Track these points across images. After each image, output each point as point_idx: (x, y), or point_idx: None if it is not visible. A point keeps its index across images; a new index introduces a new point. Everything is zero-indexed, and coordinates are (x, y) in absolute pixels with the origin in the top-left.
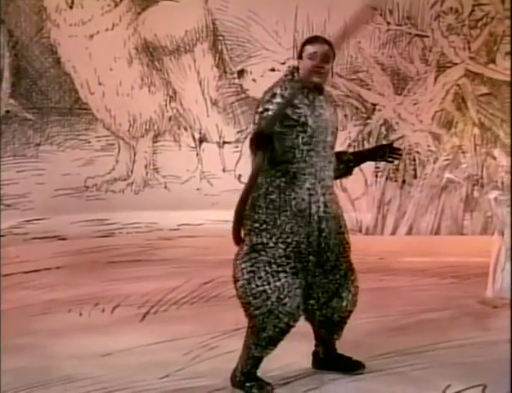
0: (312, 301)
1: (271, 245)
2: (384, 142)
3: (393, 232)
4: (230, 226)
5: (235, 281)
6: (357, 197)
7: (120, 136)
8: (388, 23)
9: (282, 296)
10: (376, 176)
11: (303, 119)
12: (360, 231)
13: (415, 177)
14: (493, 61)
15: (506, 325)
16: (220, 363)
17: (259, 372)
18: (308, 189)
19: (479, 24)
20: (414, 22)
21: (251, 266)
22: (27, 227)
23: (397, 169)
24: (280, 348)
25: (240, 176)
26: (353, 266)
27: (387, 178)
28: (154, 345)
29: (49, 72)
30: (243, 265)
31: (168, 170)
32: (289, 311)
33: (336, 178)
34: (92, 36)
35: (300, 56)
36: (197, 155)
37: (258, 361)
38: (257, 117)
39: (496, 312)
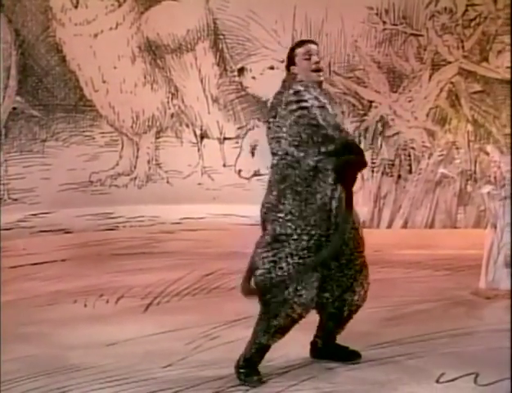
0: (326, 294)
1: (295, 236)
2: (380, 139)
3: (389, 226)
4: (230, 219)
5: (255, 268)
6: (354, 192)
7: (124, 132)
8: (384, 22)
9: (300, 288)
10: (372, 171)
11: (328, 107)
12: None
13: (410, 172)
14: (486, 60)
15: (498, 315)
16: (221, 353)
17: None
18: (331, 184)
19: (472, 23)
20: (409, 21)
21: (273, 256)
22: (33, 220)
23: (393, 165)
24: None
25: (240, 171)
26: (367, 262)
27: (383, 173)
28: (157, 335)
29: (55, 70)
30: (264, 254)
31: (170, 165)
32: (304, 302)
33: None
34: (96, 35)
35: (292, 63)
36: (198, 150)
37: (262, 349)
38: (297, 114)
39: (489, 303)
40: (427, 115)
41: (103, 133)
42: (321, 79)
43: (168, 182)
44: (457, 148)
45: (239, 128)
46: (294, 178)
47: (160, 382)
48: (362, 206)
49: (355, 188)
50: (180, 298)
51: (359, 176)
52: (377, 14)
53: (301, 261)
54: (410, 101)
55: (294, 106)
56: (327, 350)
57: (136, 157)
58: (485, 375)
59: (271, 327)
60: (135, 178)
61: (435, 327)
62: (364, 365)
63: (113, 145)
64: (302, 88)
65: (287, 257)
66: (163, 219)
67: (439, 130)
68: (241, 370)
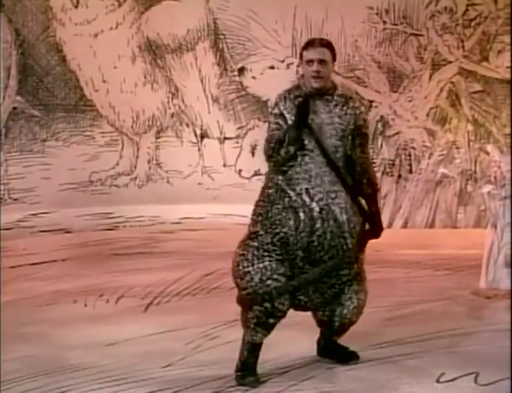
0: (301, 297)
1: (262, 233)
2: (380, 139)
3: (389, 226)
4: (230, 219)
5: (232, 265)
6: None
7: (124, 132)
8: (385, 22)
9: (265, 278)
10: None
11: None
12: None
13: (410, 172)
14: (486, 59)
15: (498, 315)
16: (221, 353)
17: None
18: (299, 194)
19: (473, 23)
20: (409, 21)
21: (243, 251)
22: (34, 220)
23: (393, 164)
24: (278, 337)
25: (240, 171)
26: (362, 278)
27: (383, 173)
28: (157, 335)
29: (55, 70)
30: (238, 251)
31: (170, 165)
32: (272, 293)
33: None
34: (96, 35)
35: (302, 61)
36: (199, 150)
37: (252, 348)
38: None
39: (489, 302)
40: (427, 115)
41: (103, 132)
42: (317, 85)
43: (168, 181)
44: (457, 148)
45: (239, 128)
46: (267, 182)
47: (160, 382)
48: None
49: None
50: (180, 298)
51: None
52: (377, 14)
53: (265, 254)
54: (410, 101)
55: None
56: (328, 348)
57: (137, 157)
58: (485, 375)
59: (249, 320)
60: (135, 177)
61: (435, 326)
62: (364, 365)
63: (113, 145)
64: (277, 100)
65: (254, 250)
66: (164, 219)
67: (439, 130)
68: (237, 373)
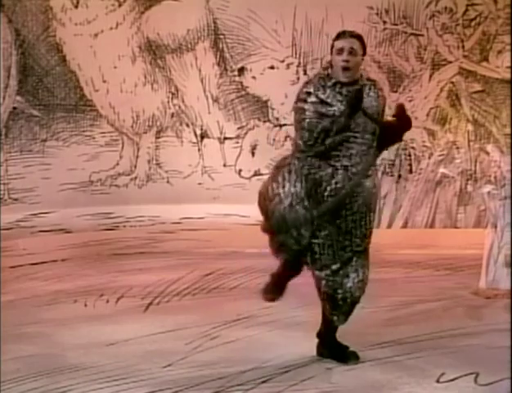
0: (316, 247)
1: (299, 166)
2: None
3: (389, 226)
4: (230, 219)
5: (259, 196)
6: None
7: (124, 132)
8: (385, 22)
9: (294, 203)
10: None
11: (337, 113)
12: None
13: (410, 172)
14: (486, 59)
15: (498, 315)
16: (221, 353)
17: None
18: (337, 169)
19: (473, 23)
20: (409, 21)
21: (274, 174)
22: (34, 220)
23: (393, 164)
24: (278, 337)
25: (240, 171)
26: (368, 255)
27: (383, 173)
28: (157, 334)
29: (55, 70)
30: (266, 183)
31: (170, 165)
32: (299, 218)
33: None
34: (96, 35)
35: (332, 52)
36: (199, 150)
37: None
38: (295, 113)
39: (489, 302)
40: (427, 115)
41: (103, 132)
42: (345, 79)
43: (168, 181)
44: (457, 148)
45: (239, 128)
46: (303, 163)
47: (160, 382)
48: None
49: None
50: (180, 298)
51: None
52: (377, 14)
53: (298, 181)
54: (410, 101)
55: (296, 100)
56: (328, 345)
57: (137, 157)
58: (485, 375)
59: (278, 248)
60: (135, 177)
61: (435, 326)
62: (364, 365)
63: (113, 145)
64: (311, 90)
65: (286, 173)
66: (164, 219)
67: (439, 130)
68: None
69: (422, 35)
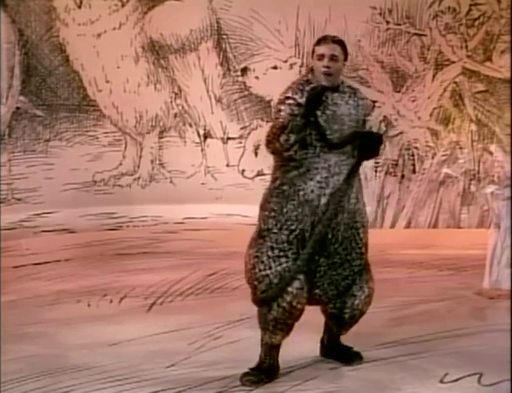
0: (317, 291)
1: (275, 231)
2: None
3: (392, 226)
4: (233, 219)
5: (245, 266)
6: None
7: (127, 132)
8: (388, 22)
9: (284, 281)
10: (376, 171)
11: (312, 119)
12: None
13: (413, 172)
14: (490, 59)
15: (502, 315)
16: (224, 353)
17: None
18: (319, 182)
19: (476, 23)
20: (412, 21)
21: (256, 252)
22: (37, 220)
23: (397, 164)
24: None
25: (243, 171)
26: (369, 266)
27: (386, 173)
28: (161, 334)
29: (58, 70)
30: (250, 251)
31: (173, 165)
32: (291, 291)
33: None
34: (99, 35)
35: (313, 57)
36: (202, 150)
37: (269, 349)
38: (274, 116)
39: (492, 303)
40: (430, 115)
41: (106, 132)
42: (326, 83)
43: (171, 181)
44: (461, 148)
45: (242, 128)
46: (281, 179)
47: (163, 382)
48: (366, 206)
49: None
50: (183, 298)
51: (362, 175)
52: (380, 14)
53: (281, 254)
54: (413, 101)
55: (276, 108)
56: (331, 348)
57: (140, 157)
58: (489, 375)
59: (269, 322)
60: (138, 177)
61: (438, 327)
62: (368, 365)
63: (116, 145)
64: (289, 94)
65: (267, 251)
66: (167, 219)
67: (443, 130)
68: (248, 370)
69: (425, 35)
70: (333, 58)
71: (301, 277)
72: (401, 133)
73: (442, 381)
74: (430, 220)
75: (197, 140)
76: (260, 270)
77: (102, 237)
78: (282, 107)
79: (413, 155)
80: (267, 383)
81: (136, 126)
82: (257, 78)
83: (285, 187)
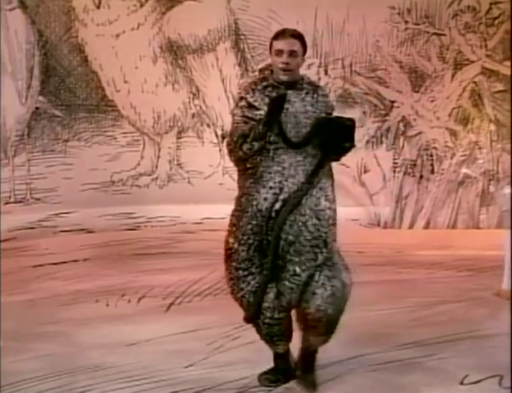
0: (282, 297)
1: (235, 249)
2: (402, 139)
3: (411, 226)
4: None
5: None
6: (376, 192)
7: (145, 132)
8: (407, 22)
9: (258, 297)
10: (394, 171)
11: (277, 125)
12: (378, 224)
13: (432, 172)
14: (509, 59)
15: None
16: (243, 353)
17: None
18: (272, 188)
19: (496, 22)
20: (432, 21)
21: (229, 274)
22: (56, 220)
23: (415, 165)
24: (299, 338)
25: None
26: (338, 265)
27: (405, 174)
28: (179, 335)
29: (77, 70)
30: (226, 272)
31: (191, 166)
32: (268, 306)
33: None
34: (118, 35)
35: (271, 52)
36: (220, 150)
37: (277, 357)
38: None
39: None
40: (449, 115)
41: (125, 133)
42: (285, 78)
43: (189, 182)
44: (480, 148)
45: None
46: (240, 191)
47: (181, 382)
48: (384, 206)
49: (376, 188)
50: (201, 298)
51: (381, 176)
52: (399, 13)
53: (246, 273)
54: (432, 101)
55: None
56: (306, 369)
57: (158, 157)
58: (509, 377)
59: (265, 337)
60: (156, 178)
61: (457, 328)
62: (387, 366)
63: (134, 145)
64: (243, 94)
65: (234, 272)
66: (185, 219)
67: (462, 130)
68: (266, 370)
69: (444, 35)
70: (292, 54)
71: (273, 286)
72: (419, 133)
73: (462, 383)
74: (449, 221)
75: (215, 140)
76: (237, 292)
77: (120, 237)
78: (235, 111)
79: (432, 156)
80: (284, 384)
81: (155, 126)
82: None
83: (242, 199)
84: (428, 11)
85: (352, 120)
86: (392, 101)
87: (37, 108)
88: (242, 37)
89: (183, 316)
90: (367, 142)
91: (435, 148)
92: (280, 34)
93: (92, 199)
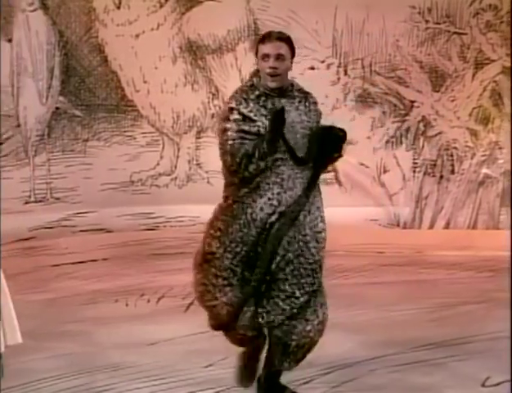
0: (265, 316)
1: (218, 255)
2: (421, 139)
3: (431, 226)
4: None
5: (194, 291)
6: (395, 192)
7: (164, 132)
8: (427, 21)
9: (231, 310)
10: (414, 171)
11: (262, 130)
12: (398, 225)
13: (452, 172)
14: None
15: None
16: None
17: None
18: (270, 199)
19: None
20: (452, 20)
21: (203, 278)
22: (75, 219)
23: (435, 165)
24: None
25: None
26: (323, 288)
27: (425, 174)
28: (198, 334)
29: (97, 70)
30: (197, 276)
31: (210, 165)
32: (243, 325)
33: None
34: (137, 35)
35: (257, 56)
36: None
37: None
38: (219, 136)
39: None
40: (470, 115)
41: (144, 133)
42: (273, 85)
43: (208, 182)
44: (500, 148)
45: None
46: (232, 198)
47: (201, 382)
48: (404, 207)
49: (396, 189)
50: None
51: (400, 176)
52: (419, 13)
53: (225, 282)
54: (452, 101)
55: (219, 120)
56: (268, 388)
57: (177, 157)
58: (510, 378)
59: (232, 342)
60: (175, 178)
61: (478, 329)
62: (407, 367)
63: (154, 145)
64: (233, 104)
65: (212, 279)
66: (204, 219)
67: (482, 130)
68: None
69: (465, 34)
70: (279, 57)
71: (250, 305)
72: (440, 133)
73: (483, 385)
74: (469, 221)
75: None
76: (209, 300)
77: (139, 236)
78: (228, 125)
79: (452, 156)
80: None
81: (174, 126)
82: (293, 78)
83: (234, 206)
84: (448, 10)
85: (343, 131)
86: (412, 101)
87: (57, 108)
88: None
89: (202, 316)
90: (387, 142)
91: (455, 148)
92: (267, 38)
93: (111, 199)
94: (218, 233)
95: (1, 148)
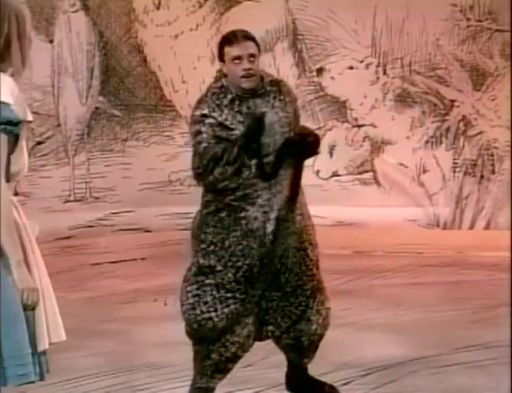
0: (270, 327)
1: (220, 268)
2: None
3: (471, 227)
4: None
5: (181, 305)
6: (435, 192)
7: None
8: (468, 19)
9: (230, 324)
10: (454, 171)
11: (255, 146)
12: (437, 225)
13: (493, 172)
14: None
15: None
16: None
17: None
18: (262, 206)
19: None
20: (495, 17)
21: (197, 290)
22: (114, 219)
23: (476, 165)
24: (360, 339)
25: (318, 171)
26: (322, 285)
27: (465, 173)
28: None
29: (136, 70)
30: (188, 288)
31: None
32: (238, 341)
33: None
34: (176, 36)
35: (222, 59)
36: None
37: (205, 392)
38: (192, 138)
39: None
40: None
41: (182, 133)
42: (249, 86)
43: None
44: None
45: (317, 129)
46: (216, 204)
47: (240, 382)
48: (444, 207)
49: (436, 189)
50: None
51: (440, 176)
52: (461, 11)
53: (229, 295)
54: (493, 100)
55: (190, 123)
56: (299, 382)
57: None
58: (510, 378)
59: (207, 368)
60: None
61: None
62: (449, 369)
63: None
64: (206, 111)
65: (212, 290)
66: None
67: None
68: None
69: (507, 31)
70: (251, 57)
71: (250, 321)
72: (480, 132)
73: None
74: (510, 221)
75: None
76: (202, 312)
77: (178, 236)
78: (203, 129)
79: (492, 155)
80: None
81: None
82: (332, 78)
83: (222, 214)
84: (491, 7)
85: (315, 135)
86: (453, 101)
87: (97, 108)
88: (300, 37)
89: None
90: (426, 142)
91: (496, 148)
92: (233, 38)
93: (149, 198)
94: (212, 247)
95: (41, 147)
